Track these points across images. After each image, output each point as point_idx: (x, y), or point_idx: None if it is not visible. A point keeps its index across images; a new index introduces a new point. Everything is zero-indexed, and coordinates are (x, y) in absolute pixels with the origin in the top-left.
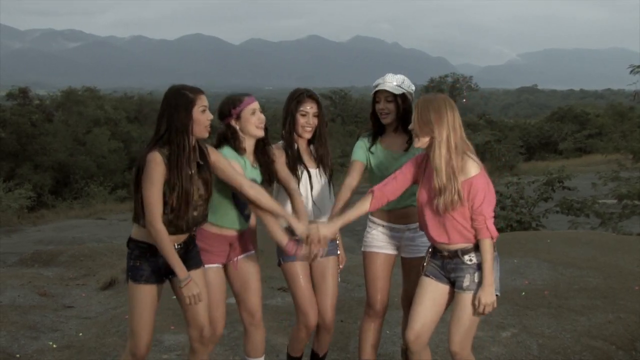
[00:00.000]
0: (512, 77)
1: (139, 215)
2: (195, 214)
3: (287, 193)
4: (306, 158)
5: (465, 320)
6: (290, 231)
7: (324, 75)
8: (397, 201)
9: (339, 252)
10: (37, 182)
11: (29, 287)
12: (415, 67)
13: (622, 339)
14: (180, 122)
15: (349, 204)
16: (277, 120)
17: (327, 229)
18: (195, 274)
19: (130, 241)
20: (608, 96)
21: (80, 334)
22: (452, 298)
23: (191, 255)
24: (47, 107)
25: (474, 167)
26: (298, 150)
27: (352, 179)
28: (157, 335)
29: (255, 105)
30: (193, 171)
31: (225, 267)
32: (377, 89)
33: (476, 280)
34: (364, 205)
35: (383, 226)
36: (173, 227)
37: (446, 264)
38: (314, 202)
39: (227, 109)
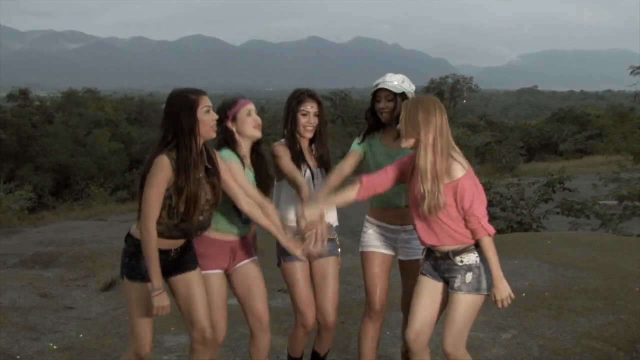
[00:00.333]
0: (512, 78)
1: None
2: (201, 218)
3: (295, 186)
4: (308, 157)
5: (457, 320)
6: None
7: (324, 76)
8: (399, 199)
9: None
10: (37, 184)
11: (30, 288)
12: (415, 68)
13: (622, 341)
14: (185, 124)
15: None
16: (278, 121)
17: (309, 210)
18: (192, 275)
19: (129, 237)
20: (608, 97)
21: (81, 335)
22: (447, 298)
23: (187, 258)
24: (47, 109)
25: (459, 169)
26: (300, 149)
27: (345, 166)
28: (157, 336)
29: (251, 106)
30: (201, 175)
31: (226, 273)
32: (377, 87)
33: (467, 281)
34: (350, 193)
35: (379, 226)
36: (179, 231)
37: (439, 265)
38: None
39: (223, 111)
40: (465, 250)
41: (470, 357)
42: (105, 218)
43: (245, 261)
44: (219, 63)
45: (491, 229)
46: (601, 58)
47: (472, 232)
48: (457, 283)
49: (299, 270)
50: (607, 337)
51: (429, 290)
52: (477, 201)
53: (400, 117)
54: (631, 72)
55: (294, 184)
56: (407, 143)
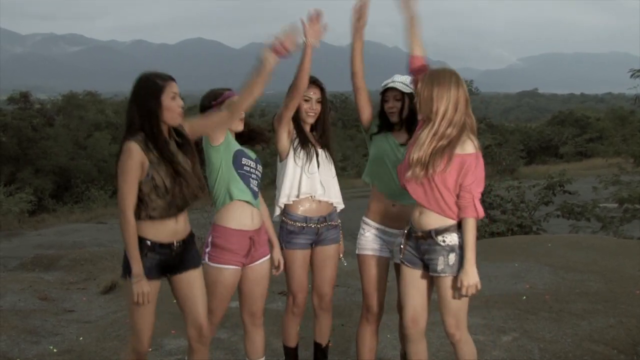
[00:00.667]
0: (512, 81)
1: (141, 209)
2: (191, 187)
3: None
4: (310, 139)
5: (451, 303)
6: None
7: (324, 79)
8: (399, 195)
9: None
10: (37, 186)
11: (30, 291)
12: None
13: (623, 344)
14: (150, 108)
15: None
16: None
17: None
18: (194, 273)
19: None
20: (609, 100)
21: (81, 338)
22: (432, 281)
23: (190, 255)
24: (48, 111)
25: (471, 146)
26: (305, 132)
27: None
28: (157, 339)
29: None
30: (172, 149)
31: (242, 269)
32: (386, 86)
33: (450, 263)
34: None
35: (377, 229)
36: (174, 208)
37: (420, 244)
38: (320, 181)
39: (208, 102)
40: (447, 230)
41: (472, 340)
42: (106, 221)
43: (262, 259)
44: (219, 66)
45: (481, 212)
46: (601, 61)
47: (461, 209)
48: (440, 265)
49: (298, 258)
50: (608, 340)
51: (412, 279)
52: (477, 181)
53: (417, 91)
54: (631, 75)
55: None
56: (422, 116)
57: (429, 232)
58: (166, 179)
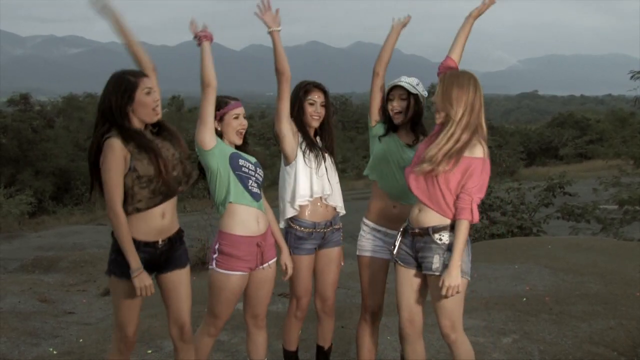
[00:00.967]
0: (512, 82)
1: (127, 204)
2: (175, 173)
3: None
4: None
5: (446, 302)
6: None
7: (324, 81)
8: (401, 194)
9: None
10: (38, 188)
11: (30, 293)
12: (415, 73)
13: (623, 345)
14: (119, 104)
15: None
16: None
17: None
18: (180, 273)
19: (113, 233)
20: (608, 102)
21: (81, 340)
22: (426, 281)
23: (177, 254)
24: (48, 113)
25: (480, 150)
26: (310, 136)
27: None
28: (157, 341)
29: (240, 110)
30: (150, 136)
31: (250, 273)
32: (393, 85)
33: (446, 262)
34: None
35: (378, 230)
36: (160, 195)
37: (415, 242)
38: (330, 183)
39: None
40: (444, 229)
41: (469, 342)
42: (106, 223)
43: (268, 263)
44: (219, 68)
45: (476, 217)
46: (601, 63)
47: (458, 210)
48: (435, 264)
49: (304, 263)
50: (608, 342)
51: (407, 279)
52: (480, 186)
53: (436, 91)
54: (631, 77)
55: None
56: (440, 117)
57: (427, 229)
58: (148, 167)
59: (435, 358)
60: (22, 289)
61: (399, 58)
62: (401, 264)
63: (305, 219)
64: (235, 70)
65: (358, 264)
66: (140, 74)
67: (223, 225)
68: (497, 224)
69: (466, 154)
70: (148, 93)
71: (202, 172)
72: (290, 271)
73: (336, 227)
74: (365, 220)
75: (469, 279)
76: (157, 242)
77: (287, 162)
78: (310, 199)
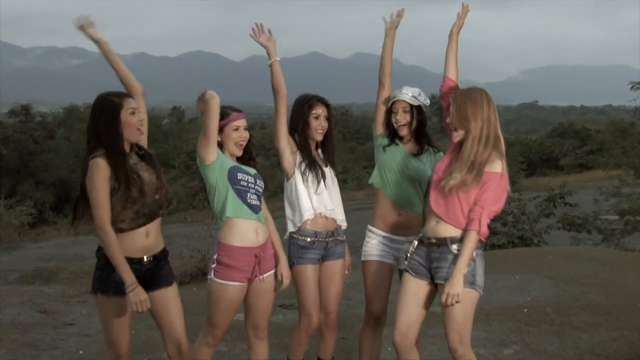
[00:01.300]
0: (512, 93)
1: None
2: (157, 197)
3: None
4: (317, 160)
5: (457, 314)
6: None
7: (324, 92)
8: (406, 202)
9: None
10: (38, 199)
11: (30, 304)
12: (416, 83)
13: (625, 357)
14: (110, 125)
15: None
16: None
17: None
18: (168, 291)
19: (98, 250)
20: (609, 112)
21: (81, 352)
22: (434, 294)
23: (163, 273)
24: (49, 124)
25: (499, 165)
26: (311, 151)
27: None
28: (157, 353)
29: (240, 122)
30: (134, 160)
31: (249, 284)
32: (394, 99)
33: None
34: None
35: (382, 236)
36: (143, 217)
37: (431, 252)
38: (330, 199)
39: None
40: (461, 240)
41: (475, 358)
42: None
43: (267, 273)
44: (220, 78)
45: (485, 230)
46: (601, 73)
47: (469, 220)
48: (449, 273)
49: (309, 273)
50: (610, 353)
51: (414, 288)
52: (494, 200)
53: (451, 111)
54: (631, 88)
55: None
56: (458, 135)
57: (444, 239)
58: (134, 190)
59: None
60: (22, 300)
61: (400, 69)
62: (412, 273)
63: (306, 228)
64: (236, 81)
65: (363, 269)
66: (124, 95)
67: (221, 236)
68: (497, 235)
69: (486, 168)
70: (132, 113)
71: (203, 183)
72: (286, 281)
73: (339, 238)
74: (370, 227)
75: (481, 292)
76: (143, 258)
77: (287, 178)
78: (312, 216)
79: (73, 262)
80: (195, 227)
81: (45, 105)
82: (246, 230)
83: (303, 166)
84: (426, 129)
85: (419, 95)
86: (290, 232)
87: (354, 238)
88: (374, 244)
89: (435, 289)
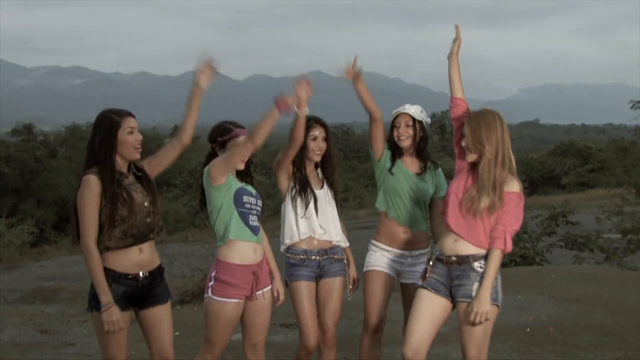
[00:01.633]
0: (513, 111)
1: (98, 241)
2: (148, 220)
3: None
4: (312, 181)
5: (479, 329)
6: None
7: (326, 110)
8: (412, 222)
9: (348, 271)
10: (39, 218)
11: (30, 324)
12: (417, 102)
13: None
14: (105, 143)
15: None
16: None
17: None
18: (162, 309)
19: None
20: (609, 131)
21: None
22: (448, 312)
23: (159, 290)
24: (51, 143)
25: (516, 185)
26: (305, 173)
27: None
28: None
29: (243, 138)
30: (130, 180)
31: (245, 301)
32: (398, 113)
33: None
34: (456, 71)
35: (387, 250)
36: (130, 238)
37: (452, 270)
38: (320, 224)
39: (214, 136)
40: (483, 257)
41: None
42: None
43: (263, 290)
44: (222, 97)
45: (509, 246)
46: (601, 92)
47: (492, 239)
48: (474, 291)
49: (303, 290)
50: None
51: (430, 304)
52: (515, 219)
53: (464, 134)
54: (631, 107)
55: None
56: (472, 157)
57: (466, 257)
58: (122, 209)
59: None
60: (22, 320)
61: (401, 87)
62: (430, 290)
63: (296, 247)
64: (238, 100)
65: (364, 279)
66: (124, 114)
67: (220, 254)
68: None
69: (505, 188)
70: (130, 132)
71: (203, 200)
72: (281, 297)
73: (335, 257)
74: (373, 241)
75: (500, 308)
76: (138, 274)
77: (283, 199)
78: (298, 240)
79: (74, 281)
80: (196, 246)
81: (48, 124)
82: (246, 250)
83: (293, 192)
84: (427, 147)
85: (422, 112)
86: (283, 250)
87: (355, 256)
88: (377, 256)
89: (452, 307)
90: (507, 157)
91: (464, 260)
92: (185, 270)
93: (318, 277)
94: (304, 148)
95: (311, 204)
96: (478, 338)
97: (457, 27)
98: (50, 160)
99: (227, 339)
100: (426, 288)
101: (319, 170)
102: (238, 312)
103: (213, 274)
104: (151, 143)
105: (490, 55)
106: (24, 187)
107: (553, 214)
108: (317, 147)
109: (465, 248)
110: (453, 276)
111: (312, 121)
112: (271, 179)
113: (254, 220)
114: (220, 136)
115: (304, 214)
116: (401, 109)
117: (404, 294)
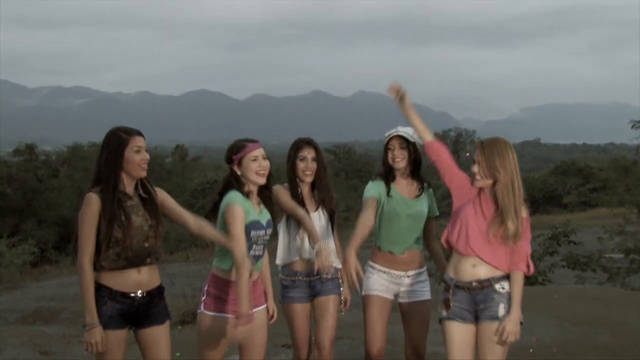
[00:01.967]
0: (514, 131)
1: (95, 259)
2: (146, 245)
3: (297, 220)
4: (307, 202)
5: (500, 348)
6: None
7: (327, 130)
8: (403, 243)
9: (341, 290)
10: (41, 237)
11: (30, 345)
12: None
13: None
14: (111, 160)
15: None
16: (282, 174)
17: (348, 253)
18: (159, 329)
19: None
20: (611, 150)
21: None
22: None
23: (157, 310)
24: (52, 163)
25: (524, 210)
26: (301, 194)
27: (369, 216)
28: None
29: (257, 152)
30: (133, 202)
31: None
32: (392, 134)
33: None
34: (428, 134)
35: (384, 272)
36: (123, 260)
37: (475, 295)
38: (311, 245)
39: (230, 155)
40: (503, 278)
41: None
42: None
43: (257, 309)
44: (223, 117)
45: (532, 269)
46: (602, 111)
47: (514, 262)
48: (501, 312)
49: (294, 311)
50: None
51: (463, 336)
52: (528, 242)
53: (476, 160)
54: (632, 126)
55: (296, 218)
56: (484, 183)
57: (487, 280)
58: (117, 232)
59: None
60: (22, 341)
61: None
62: (458, 319)
63: (288, 268)
64: (240, 119)
65: (363, 304)
66: (133, 132)
67: (214, 268)
68: None
69: (523, 214)
70: (137, 151)
71: (215, 210)
72: (275, 316)
73: (326, 277)
74: (370, 262)
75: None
76: (135, 294)
77: (279, 220)
78: (285, 262)
79: (74, 301)
80: (197, 265)
81: (50, 144)
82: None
83: (285, 215)
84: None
85: (413, 134)
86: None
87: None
88: (375, 279)
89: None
90: (520, 184)
91: (486, 284)
92: (187, 290)
93: (312, 297)
94: (293, 169)
95: (301, 227)
96: (499, 356)
97: (392, 87)
98: (52, 179)
99: (220, 356)
100: (454, 319)
101: (315, 192)
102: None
103: (206, 288)
104: (152, 162)
105: (490, 75)
106: (26, 207)
107: (555, 233)
108: (306, 168)
109: (484, 272)
110: (477, 300)
111: (302, 142)
112: None
113: (257, 250)
114: (235, 154)
115: (297, 236)
116: (394, 132)
117: (405, 314)
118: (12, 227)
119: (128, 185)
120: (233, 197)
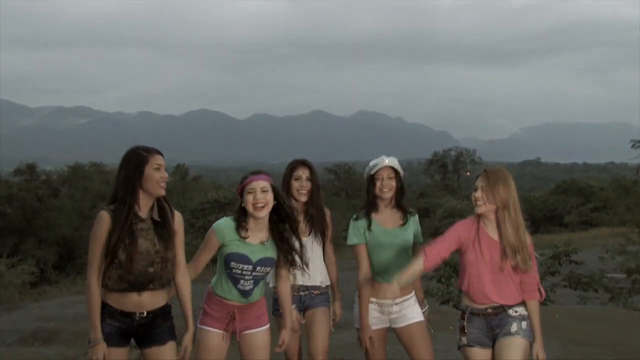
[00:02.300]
0: (514, 150)
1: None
2: (151, 270)
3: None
4: (301, 224)
5: (518, 352)
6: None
7: (328, 150)
8: (389, 272)
9: (332, 305)
10: (40, 257)
11: None
12: (418, 140)
13: None
14: (129, 178)
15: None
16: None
17: (363, 322)
18: (161, 350)
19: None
20: (611, 169)
21: None
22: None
23: (159, 331)
24: (53, 182)
25: (528, 237)
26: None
27: (366, 267)
28: None
29: (255, 184)
30: (144, 226)
31: (230, 335)
32: (381, 166)
33: (523, 327)
34: (417, 267)
35: (372, 303)
36: (125, 283)
37: (490, 321)
38: (305, 269)
39: (237, 187)
40: (515, 305)
41: None
42: None
43: (254, 330)
44: (224, 137)
45: (544, 294)
46: (602, 131)
47: (526, 292)
48: (513, 328)
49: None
50: None
51: None
52: (535, 267)
53: (480, 186)
54: (632, 146)
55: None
56: (486, 208)
57: (500, 307)
58: (122, 255)
59: None
60: None
61: (402, 127)
62: (477, 346)
63: None
64: (240, 139)
65: (358, 338)
66: (153, 151)
67: (210, 285)
68: None
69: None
70: (157, 169)
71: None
72: (283, 347)
73: (316, 292)
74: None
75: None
76: (135, 313)
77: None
78: (273, 284)
79: (74, 322)
80: (198, 285)
81: (52, 164)
82: (222, 296)
83: None
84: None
85: (398, 163)
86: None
87: (345, 298)
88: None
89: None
90: (521, 216)
91: (500, 310)
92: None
93: (302, 311)
94: (290, 188)
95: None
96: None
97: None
98: (53, 199)
99: None
100: (474, 346)
101: (308, 209)
102: (219, 344)
103: (203, 305)
104: None
105: (491, 95)
106: (26, 227)
107: (556, 253)
108: (301, 187)
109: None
110: (493, 325)
111: (297, 163)
112: None
113: (246, 285)
114: (240, 183)
115: None
116: (381, 163)
117: (403, 338)
118: (12, 247)
119: (144, 205)
120: (217, 223)
